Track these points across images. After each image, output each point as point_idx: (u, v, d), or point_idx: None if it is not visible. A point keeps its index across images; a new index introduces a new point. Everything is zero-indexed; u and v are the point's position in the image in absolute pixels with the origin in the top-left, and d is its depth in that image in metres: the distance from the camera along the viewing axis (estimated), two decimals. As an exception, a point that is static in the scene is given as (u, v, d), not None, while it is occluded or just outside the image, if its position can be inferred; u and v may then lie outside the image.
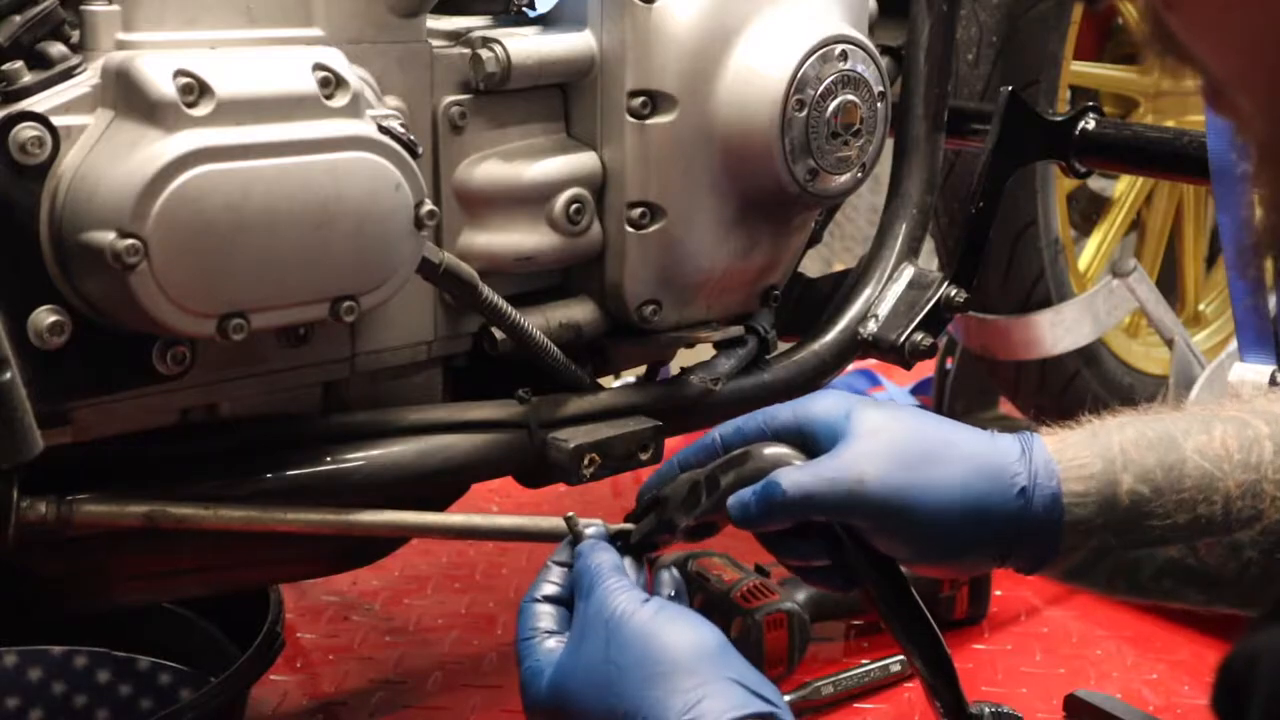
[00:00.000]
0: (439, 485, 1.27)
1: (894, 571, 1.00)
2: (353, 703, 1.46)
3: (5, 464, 0.98)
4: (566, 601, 1.01)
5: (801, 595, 1.47)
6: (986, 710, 1.01)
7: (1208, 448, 0.94)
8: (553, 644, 0.97)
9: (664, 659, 0.89)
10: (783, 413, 1.01)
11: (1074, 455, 0.95)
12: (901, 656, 1.48)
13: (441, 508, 1.32)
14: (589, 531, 1.04)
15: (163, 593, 1.31)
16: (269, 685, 1.44)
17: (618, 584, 0.96)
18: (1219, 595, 0.94)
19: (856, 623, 1.59)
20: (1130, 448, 0.95)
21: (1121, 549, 0.93)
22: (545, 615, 1.00)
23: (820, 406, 1.00)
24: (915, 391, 2.35)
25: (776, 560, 1.04)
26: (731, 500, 0.99)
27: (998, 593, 1.63)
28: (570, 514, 1.06)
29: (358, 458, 1.19)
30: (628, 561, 1.02)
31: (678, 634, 0.91)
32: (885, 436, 0.95)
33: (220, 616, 1.42)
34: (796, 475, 0.96)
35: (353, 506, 1.18)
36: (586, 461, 1.26)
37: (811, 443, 0.99)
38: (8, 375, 0.96)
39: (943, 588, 1.56)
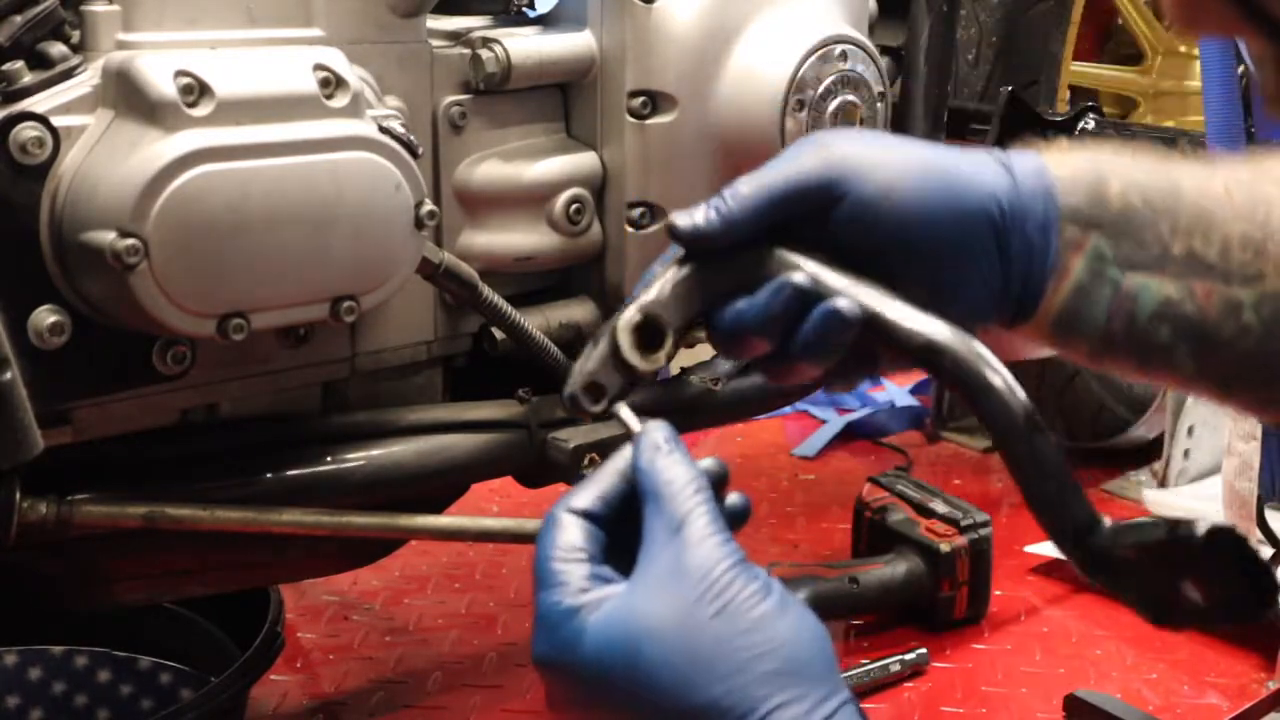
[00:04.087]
0: (439, 485, 1.27)
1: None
2: (353, 703, 1.46)
3: (5, 464, 0.98)
4: (609, 524, 0.76)
5: (801, 595, 1.47)
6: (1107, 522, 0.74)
7: (1207, 188, 0.85)
8: (587, 573, 0.73)
9: (797, 657, 0.71)
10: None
11: (1054, 153, 0.86)
12: (901, 656, 1.48)
13: (441, 508, 1.32)
14: (652, 428, 0.79)
15: (163, 593, 1.31)
16: (269, 685, 1.44)
17: (722, 536, 0.73)
18: (1210, 360, 0.85)
19: (856, 623, 1.59)
20: (1115, 161, 0.86)
21: (1118, 266, 0.84)
22: (581, 533, 0.75)
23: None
24: (915, 391, 2.35)
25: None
26: (682, 220, 0.80)
27: (998, 593, 1.63)
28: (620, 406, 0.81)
29: (358, 458, 1.19)
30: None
31: (808, 631, 0.72)
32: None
33: (220, 616, 1.42)
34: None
35: (351, 507, 1.19)
36: (586, 461, 1.26)
37: None
38: (8, 375, 0.96)
39: (943, 587, 1.56)
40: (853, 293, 0.79)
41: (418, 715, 1.44)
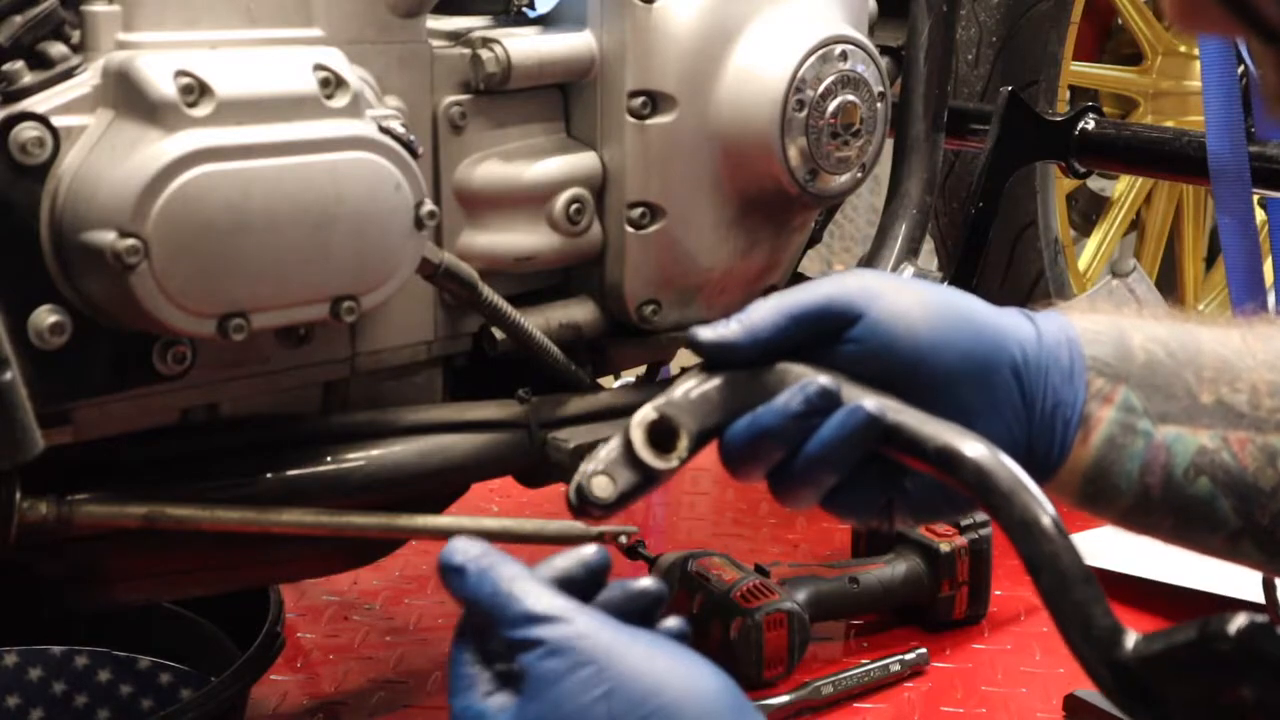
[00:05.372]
0: (439, 485, 1.27)
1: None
2: (353, 703, 1.46)
3: (6, 464, 0.98)
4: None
5: (801, 595, 1.47)
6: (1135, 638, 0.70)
7: (1225, 339, 0.85)
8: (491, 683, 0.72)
9: (701, 714, 0.69)
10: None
11: (1072, 311, 0.87)
12: (901, 656, 1.48)
13: (441, 508, 1.32)
14: (452, 547, 0.74)
15: (163, 593, 1.31)
16: (269, 685, 1.44)
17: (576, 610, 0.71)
18: (1255, 514, 0.83)
19: (856, 623, 1.59)
20: (1131, 318, 0.87)
21: (1149, 418, 0.83)
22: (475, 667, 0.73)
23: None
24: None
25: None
26: (705, 332, 0.81)
27: (998, 592, 1.63)
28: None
29: (358, 458, 1.19)
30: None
31: (704, 680, 0.71)
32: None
33: (220, 616, 1.42)
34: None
35: (352, 507, 1.19)
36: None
37: None
38: (8, 375, 0.96)
39: (943, 587, 1.56)
40: (876, 398, 0.79)
41: (418, 715, 1.44)
